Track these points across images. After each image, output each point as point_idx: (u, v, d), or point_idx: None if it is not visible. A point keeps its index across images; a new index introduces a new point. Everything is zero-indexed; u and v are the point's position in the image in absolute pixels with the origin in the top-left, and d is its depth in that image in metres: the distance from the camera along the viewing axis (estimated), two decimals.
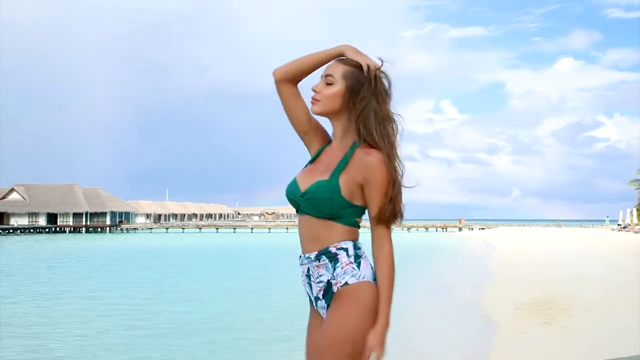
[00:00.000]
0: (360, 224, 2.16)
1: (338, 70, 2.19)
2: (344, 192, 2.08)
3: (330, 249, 2.09)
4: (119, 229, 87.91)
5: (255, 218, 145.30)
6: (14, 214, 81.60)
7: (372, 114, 2.16)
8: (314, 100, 2.21)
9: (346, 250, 2.08)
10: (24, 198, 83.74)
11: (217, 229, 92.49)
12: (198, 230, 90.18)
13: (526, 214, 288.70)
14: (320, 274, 2.10)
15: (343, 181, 2.09)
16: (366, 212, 2.14)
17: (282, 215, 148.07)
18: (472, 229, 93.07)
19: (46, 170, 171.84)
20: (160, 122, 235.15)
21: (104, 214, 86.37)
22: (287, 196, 2.22)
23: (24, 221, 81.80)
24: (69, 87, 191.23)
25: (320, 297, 2.11)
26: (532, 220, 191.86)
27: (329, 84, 2.19)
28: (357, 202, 2.10)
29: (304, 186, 2.14)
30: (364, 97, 2.17)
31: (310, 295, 2.15)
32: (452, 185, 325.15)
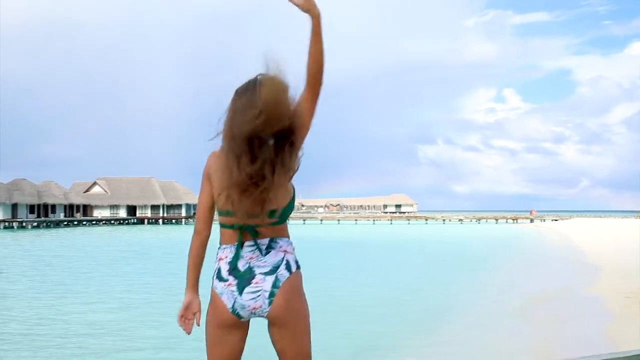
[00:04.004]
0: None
1: None
2: None
3: None
4: (193, 220, 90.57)
5: (320, 210, 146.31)
6: (97, 206, 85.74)
7: None
8: None
9: None
10: (105, 191, 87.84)
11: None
12: None
13: (595, 205, 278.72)
14: None
15: None
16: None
17: (346, 207, 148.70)
18: (544, 220, 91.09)
19: (124, 164, 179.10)
20: None
21: (179, 206, 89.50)
22: None
23: (106, 213, 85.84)
24: (142, 85, 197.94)
25: None
26: (602, 211, 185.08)
27: None
28: None
29: None
30: None
31: None
32: (516, 175, 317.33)
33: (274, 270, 2.16)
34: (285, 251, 2.20)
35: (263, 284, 2.14)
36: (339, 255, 29.51)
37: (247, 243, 2.16)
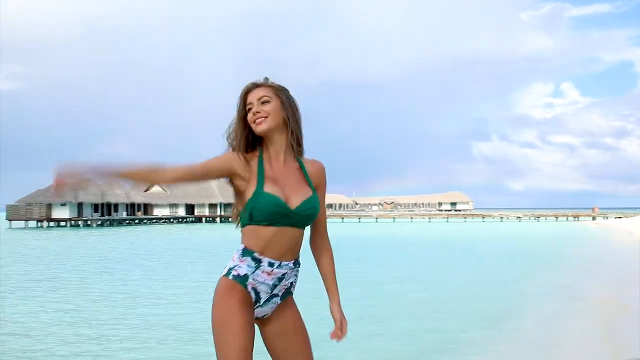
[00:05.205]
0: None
1: (268, 91, 2.35)
2: None
3: (299, 259, 2.38)
4: None
5: (374, 207, 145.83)
6: (157, 205, 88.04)
7: (300, 128, 2.41)
8: (262, 118, 2.30)
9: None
10: (164, 190, 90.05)
11: (343, 218, 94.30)
12: None
13: None
14: (290, 276, 2.35)
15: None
16: None
17: (400, 204, 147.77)
18: (607, 217, 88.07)
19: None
20: None
21: None
22: (270, 209, 2.24)
23: (165, 211, 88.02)
24: (198, 86, 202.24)
25: (279, 294, 2.35)
26: None
27: (266, 102, 2.32)
28: None
29: (294, 201, 2.29)
30: (296, 111, 2.39)
31: (265, 293, 2.32)
32: (576, 172, 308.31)
33: None
34: (232, 257, 2.35)
35: None
36: (400, 253, 29.44)
37: None
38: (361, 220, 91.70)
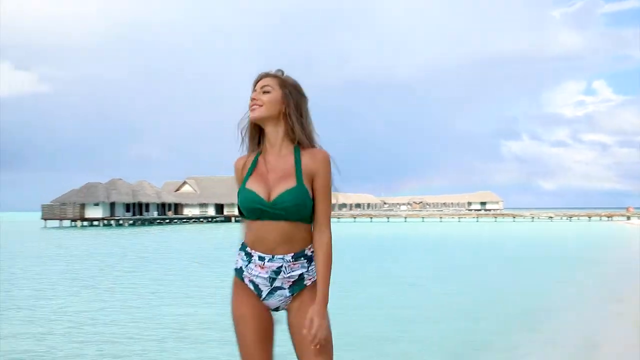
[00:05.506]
0: None
1: (273, 81, 2.34)
2: (310, 193, 2.28)
3: (306, 251, 2.31)
4: None
5: (403, 207, 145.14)
6: (187, 205, 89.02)
7: (309, 121, 2.38)
8: (256, 105, 2.30)
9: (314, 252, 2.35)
10: (195, 190, 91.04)
11: (371, 218, 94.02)
12: (353, 219, 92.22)
13: None
14: (293, 269, 2.29)
15: (306, 183, 2.28)
16: None
17: (429, 204, 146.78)
18: None
19: (212, 163, 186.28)
20: None
21: None
22: (247, 206, 2.27)
23: (195, 211, 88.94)
24: (226, 85, 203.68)
25: (286, 287, 2.30)
26: None
27: (266, 92, 2.31)
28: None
29: (271, 195, 2.26)
30: (301, 104, 2.36)
31: (265, 286, 2.31)
32: (609, 171, 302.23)
33: None
34: None
35: None
36: (430, 253, 29.23)
37: None
38: (390, 220, 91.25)
